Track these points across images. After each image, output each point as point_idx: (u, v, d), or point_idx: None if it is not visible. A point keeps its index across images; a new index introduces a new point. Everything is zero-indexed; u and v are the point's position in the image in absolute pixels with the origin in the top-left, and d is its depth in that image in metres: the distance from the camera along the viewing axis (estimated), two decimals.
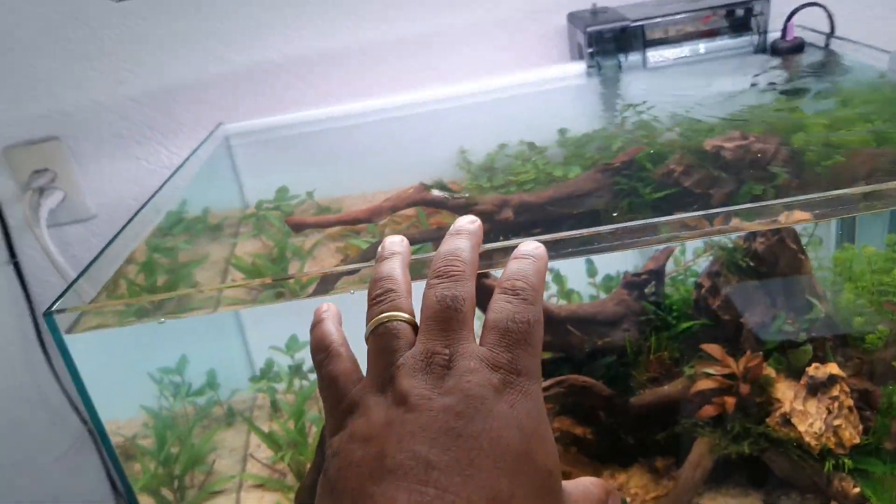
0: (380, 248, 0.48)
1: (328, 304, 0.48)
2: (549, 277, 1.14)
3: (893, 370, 0.89)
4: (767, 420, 0.83)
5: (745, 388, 0.82)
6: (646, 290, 0.91)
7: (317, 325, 0.45)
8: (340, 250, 1.14)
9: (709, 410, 0.82)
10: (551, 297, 1.16)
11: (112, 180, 1.49)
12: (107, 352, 0.96)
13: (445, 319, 0.39)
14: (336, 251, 1.14)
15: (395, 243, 0.48)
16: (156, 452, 0.93)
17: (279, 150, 1.37)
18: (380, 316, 0.41)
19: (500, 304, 0.39)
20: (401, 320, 0.40)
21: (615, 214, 0.86)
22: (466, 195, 0.85)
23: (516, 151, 1.20)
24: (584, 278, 1.11)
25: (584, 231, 0.70)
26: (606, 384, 0.83)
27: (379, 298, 0.42)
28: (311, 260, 1.13)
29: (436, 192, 0.83)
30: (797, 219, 0.70)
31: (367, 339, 0.42)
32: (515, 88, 1.31)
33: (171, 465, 0.93)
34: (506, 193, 1.02)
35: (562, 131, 1.16)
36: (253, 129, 1.36)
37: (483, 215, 0.88)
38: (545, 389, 0.79)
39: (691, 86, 1.19)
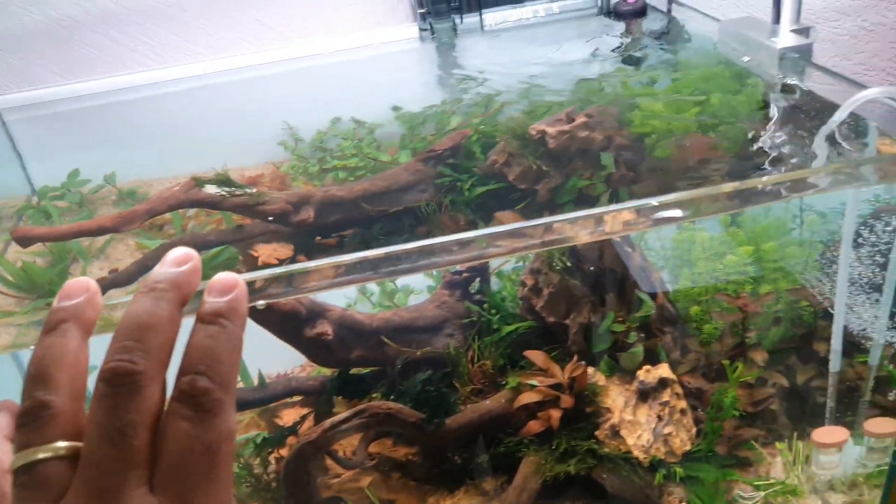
0: (52, 306, 0.35)
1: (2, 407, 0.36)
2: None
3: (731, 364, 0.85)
4: (597, 433, 0.77)
5: (567, 401, 0.75)
6: (470, 289, 0.82)
7: None
8: (140, 247, 0.99)
9: (533, 427, 0.75)
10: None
11: None
12: None
13: (105, 461, 0.29)
14: (137, 249, 0.99)
15: (73, 296, 0.35)
16: None
17: (72, 126, 1.18)
18: (23, 451, 0.30)
19: (176, 426, 0.30)
20: (53, 457, 0.30)
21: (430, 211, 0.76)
22: (251, 191, 0.72)
23: (348, 129, 1.07)
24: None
25: (379, 252, 0.59)
26: (424, 402, 0.74)
27: (24, 420, 0.31)
28: (101, 260, 0.98)
29: (210, 189, 0.69)
30: (619, 229, 0.61)
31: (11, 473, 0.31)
32: (348, 53, 1.18)
33: None
34: (315, 185, 0.89)
35: (396, 108, 1.05)
36: (37, 100, 1.16)
37: (276, 217, 0.75)
38: (344, 421, 0.70)
39: (532, 53, 1.09)
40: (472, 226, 0.77)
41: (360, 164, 0.94)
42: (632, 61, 1.02)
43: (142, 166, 1.07)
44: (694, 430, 0.79)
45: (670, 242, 0.97)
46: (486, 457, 0.75)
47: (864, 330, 0.80)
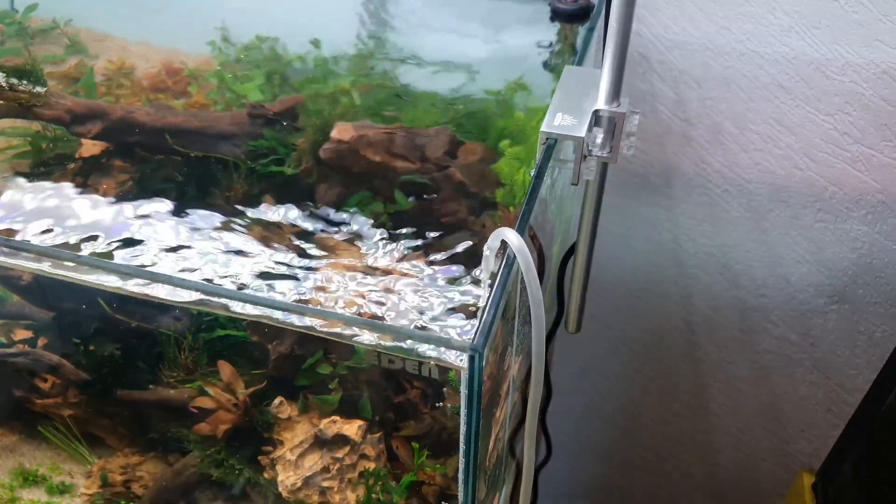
0: None
1: None
2: None
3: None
4: (260, 457, 0.78)
5: (230, 419, 0.76)
6: None
7: None
8: None
9: (202, 428, 0.78)
10: None
11: None
12: None
13: None
14: None
15: None
16: None
17: None
18: None
19: None
20: None
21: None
22: (39, 90, 0.73)
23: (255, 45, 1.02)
24: None
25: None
26: (115, 369, 0.79)
27: None
28: None
29: None
30: None
31: None
32: None
33: None
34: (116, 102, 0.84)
35: (315, 42, 0.99)
36: None
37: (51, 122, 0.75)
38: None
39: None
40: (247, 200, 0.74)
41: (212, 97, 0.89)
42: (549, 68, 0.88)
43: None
44: (363, 495, 0.78)
45: None
46: (155, 435, 0.81)
47: None
